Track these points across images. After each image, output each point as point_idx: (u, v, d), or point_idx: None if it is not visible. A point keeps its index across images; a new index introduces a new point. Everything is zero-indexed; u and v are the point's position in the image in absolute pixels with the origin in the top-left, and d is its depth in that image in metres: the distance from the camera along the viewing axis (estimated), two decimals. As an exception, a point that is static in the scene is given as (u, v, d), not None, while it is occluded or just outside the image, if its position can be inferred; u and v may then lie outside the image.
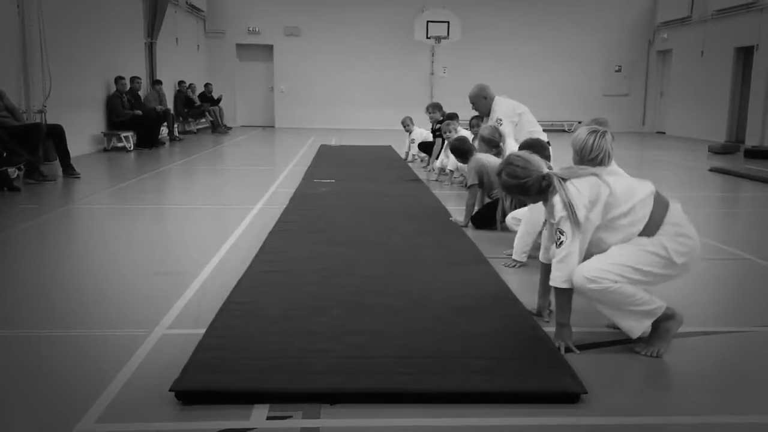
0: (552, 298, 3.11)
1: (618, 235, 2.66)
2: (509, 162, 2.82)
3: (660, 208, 2.67)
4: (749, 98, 14.43)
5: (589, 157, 3.16)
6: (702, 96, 16.13)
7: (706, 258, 2.71)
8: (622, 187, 2.70)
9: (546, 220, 4.08)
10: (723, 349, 2.87)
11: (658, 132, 18.44)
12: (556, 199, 2.65)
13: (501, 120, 5.81)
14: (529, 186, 2.74)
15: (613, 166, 3.39)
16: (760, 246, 4.88)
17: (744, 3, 14.33)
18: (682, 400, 2.40)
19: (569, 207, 2.60)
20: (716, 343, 2.91)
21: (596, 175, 2.69)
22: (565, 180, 2.68)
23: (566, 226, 2.62)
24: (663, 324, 2.69)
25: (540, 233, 4.19)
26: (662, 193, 2.74)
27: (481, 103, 6.11)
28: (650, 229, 2.64)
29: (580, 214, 2.60)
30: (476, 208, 5.34)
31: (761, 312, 3.37)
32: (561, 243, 2.62)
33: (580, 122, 18.28)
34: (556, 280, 2.66)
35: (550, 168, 2.77)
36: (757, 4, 14.00)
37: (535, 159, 2.79)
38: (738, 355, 2.81)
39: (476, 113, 7.68)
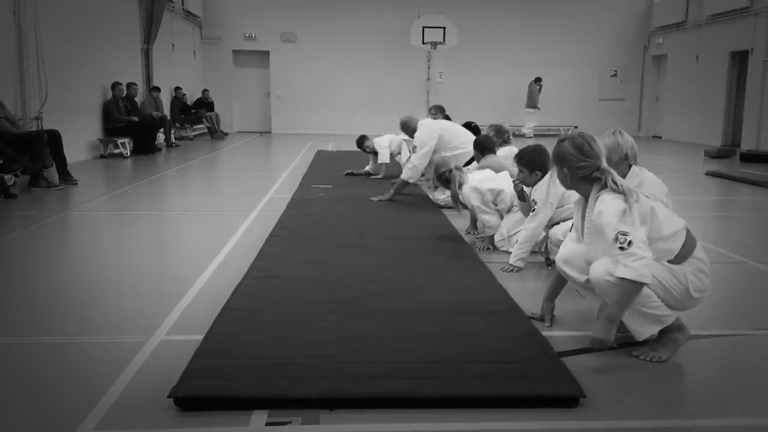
0: (556, 303, 3.12)
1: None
2: (581, 134, 2.71)
3: (690, 241, 2.68)
4: (744, 102, 14.49)
5: (632, 154, 3.32)
6: (697, 100, 16.18)
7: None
8: (665, 214, 2.67)
9: (551, 224, 4.10)
10: (720, 352, 2.88)
11: (654, 136, 18.49)
12: (608, 205, 2.54)
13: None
14: (582, 167, 2.64)
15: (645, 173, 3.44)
16: (756, 249, 4.89)
17: (739, 7, 14.40)
18: (680, 404, 2.41)
19: (628, 213, 2.50)
20: (713, 346, 2.92)
21: (648, 198, 2.64)
22: (616, 185, 2.58)
23: (627, 227, 2.48)
24: (670, 334, 2.69)
25: (540, 240, 4.21)
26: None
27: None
28: (679, 258, 2.65)
29: (636, 220, 2.53)
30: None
31: (758, 315, 3.38)
32: (630, 243, 2.45)
33: (576, 127, 18.43)
34: (647, 276, 2.46)
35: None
36: (752, 9, 14.07)
37: (602, 150, 2.70)
38: (735, 359, 2.82)
39: (468, 121, 7.86)
